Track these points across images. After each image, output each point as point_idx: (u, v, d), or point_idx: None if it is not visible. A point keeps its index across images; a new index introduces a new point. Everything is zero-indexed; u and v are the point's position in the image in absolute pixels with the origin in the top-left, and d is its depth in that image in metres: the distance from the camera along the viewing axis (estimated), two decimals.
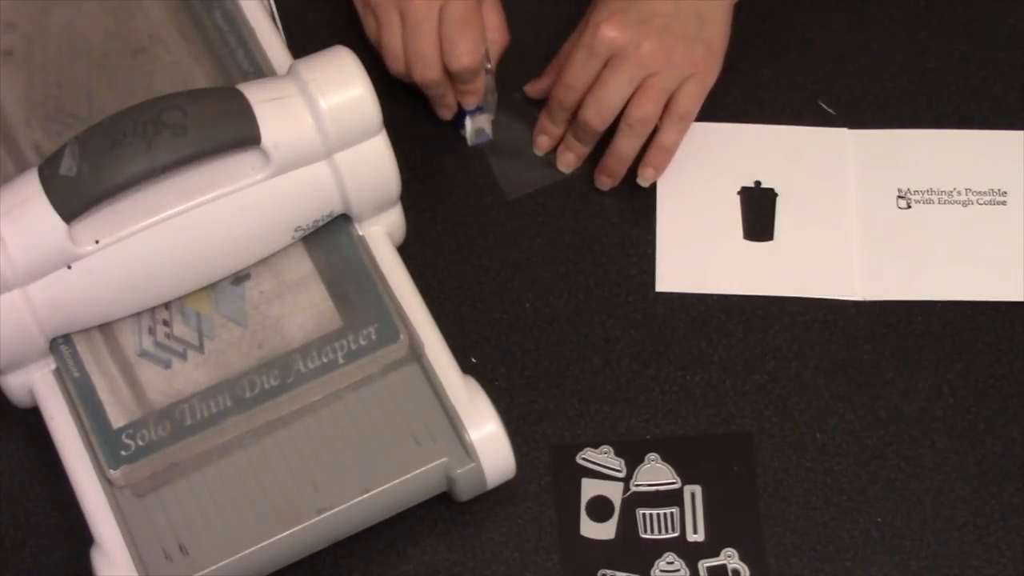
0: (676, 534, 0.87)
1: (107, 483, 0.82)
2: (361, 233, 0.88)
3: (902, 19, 1.01)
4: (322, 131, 0.82)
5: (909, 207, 0.95)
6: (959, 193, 0.95)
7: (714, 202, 0.96)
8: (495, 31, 0.95)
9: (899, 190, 0.96)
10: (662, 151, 0.95)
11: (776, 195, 0.96)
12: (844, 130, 0.98)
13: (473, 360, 0.91)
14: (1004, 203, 0.95)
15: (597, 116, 0.93)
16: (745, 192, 0.96)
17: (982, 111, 0.98)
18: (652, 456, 0.89)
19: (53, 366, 0.85)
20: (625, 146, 0.94)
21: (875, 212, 0.95)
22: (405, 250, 0.90)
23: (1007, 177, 0.96)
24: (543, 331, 0.93)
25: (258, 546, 0.81)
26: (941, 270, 0.93)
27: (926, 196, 0.95)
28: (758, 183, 0.96)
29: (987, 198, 0.95)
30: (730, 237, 0.95)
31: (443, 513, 0.87)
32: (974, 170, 0.96)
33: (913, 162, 0.97)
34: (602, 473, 0.89)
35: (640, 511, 0.88)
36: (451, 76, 0.93)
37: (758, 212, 0.95)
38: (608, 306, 0.93)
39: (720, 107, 0.97)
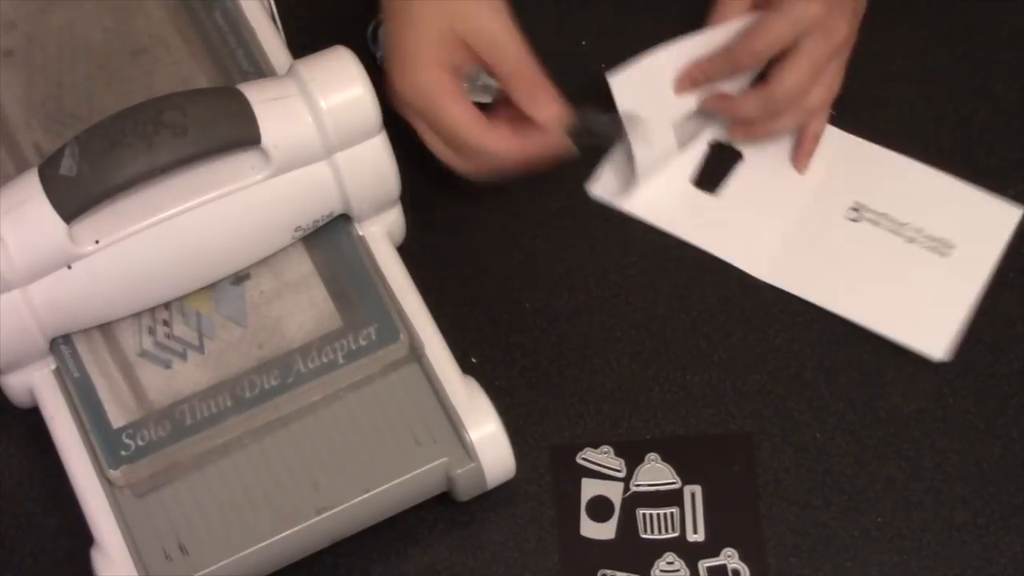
0: (676, 534, 0.87)
1: (107, 483, 0.82)
2: (361, 233, 0.88)
3: (902, 19, 1.01)
4: (322, 131, 0.82)
5: (856, 222, 0.94)
6: (908, 229, 0.94)
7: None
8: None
9: (856, 203, 0.95)
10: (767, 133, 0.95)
11: (741, 157, 0.96)
12: (833, 129, 0.97)
13: (473, 360, 0.91)
14: (946, 255, 0.93)
15: (795, 89, 0.91)
16: (713, 147, 0.96)
17: (982, 111, 0.98)
18: (652, 456, 0.89)
19: (53, 366, 0.85)
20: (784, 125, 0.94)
21: (824, 215, 0.94)
22: (405, 250, 0.90)
23: (959, 232, 0.93)
24: (543, 331, 0.93)
25: (258, 546, 0.81)
26: (859, 291, 0.92)
27: (876, 219, 0.94)
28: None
29: (932, 244, 0.94)
30: (681, 181, 0.95)
31: (443, 513, 0.87)
32: (937, 214, 0.94)
33: (882, 183, 0.95)
34: (602, 473, 0.89)
35: (640, 511, 0.88)
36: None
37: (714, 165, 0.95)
38: (608, 306, 0.93)
39: None
